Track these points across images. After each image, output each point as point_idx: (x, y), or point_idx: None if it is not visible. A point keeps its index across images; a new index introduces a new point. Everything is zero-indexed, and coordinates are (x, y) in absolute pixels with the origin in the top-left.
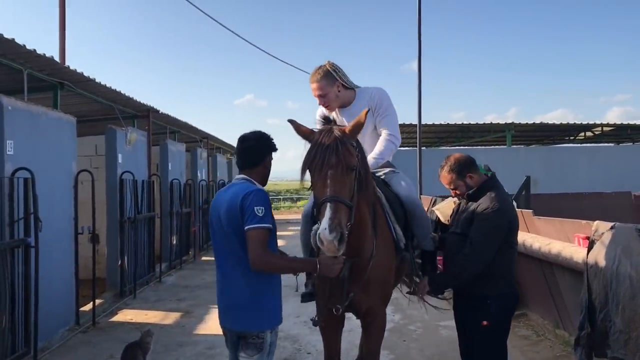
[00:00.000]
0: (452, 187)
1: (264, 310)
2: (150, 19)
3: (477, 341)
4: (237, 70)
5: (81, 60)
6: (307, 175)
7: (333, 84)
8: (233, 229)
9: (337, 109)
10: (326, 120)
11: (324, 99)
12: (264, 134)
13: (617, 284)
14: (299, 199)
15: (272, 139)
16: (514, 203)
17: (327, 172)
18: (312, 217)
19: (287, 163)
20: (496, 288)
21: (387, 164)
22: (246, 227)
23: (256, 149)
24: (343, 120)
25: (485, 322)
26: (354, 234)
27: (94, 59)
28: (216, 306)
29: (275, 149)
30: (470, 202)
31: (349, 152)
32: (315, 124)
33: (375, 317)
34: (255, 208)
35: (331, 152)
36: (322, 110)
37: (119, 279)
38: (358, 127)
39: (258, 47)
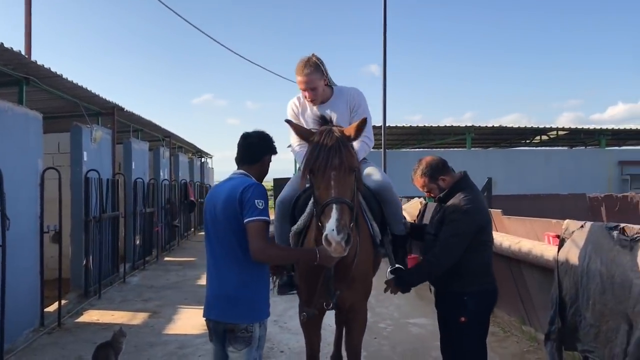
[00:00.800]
0: (425, 190)
1: (254, 302)
2: (107, 16)
3: (456, 337)
4: (195, 68)
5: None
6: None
7: (321, 77)
8: (228, 220)
9: (314, 106)
10: (323, 120)
11: (313, 93)
12: (267, 134)
13: (587, 280)
14: None
15: (274, 142)
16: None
17: (330, 174)
18: (292, 206)
19: None
20: (472, 285)
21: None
22: (247, 220)
23: (257, 147)
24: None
25: (463, 319)
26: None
27: (48, 59)
28: (184, 306)
29: (275, 152)
30: (443, 203)
31: (350, 153)
32: (292, 118)
33: (358, 312)
34: (256, 201)
35: (334, 153)
36: (294, 104)
37: (83, 279)
38: (359, 131)
39: (219, 42)
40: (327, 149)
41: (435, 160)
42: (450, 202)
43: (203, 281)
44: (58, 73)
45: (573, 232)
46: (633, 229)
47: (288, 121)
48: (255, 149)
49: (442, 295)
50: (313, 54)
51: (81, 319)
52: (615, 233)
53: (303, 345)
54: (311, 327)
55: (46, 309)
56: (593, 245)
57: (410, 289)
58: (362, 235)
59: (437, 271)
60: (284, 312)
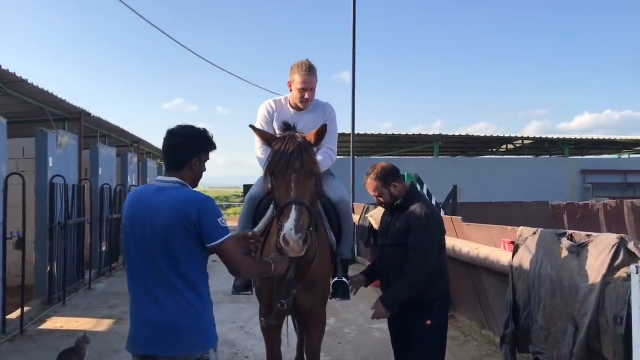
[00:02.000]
0: (376, 194)
1: (207, 326)
2: (76, 21)
3: (419, 340)
4: (165, 73)
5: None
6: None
7: (316, 81)
8: (181, 243)
9: (292, 111)
10: (286, 126)
11: (310, 94)
12: (195, 130)
13: (539, 284)
14: (228, 206)
15: (207, 135)
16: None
17: (291, 176)
18: (258, 202)
19: (217, 169)
20: (439, 290)
21: (327, 171)
22: (216, 242)
23: (182, 149)
24: (301, 122)
25: (428, 322)
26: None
27: (13, 63)
28: None
29: (208, 149)
30: (398, 212)
31: (311, 158)
32: (260, 123)
33: (317, 316)
34: (218, 220)
35: (295, 157)
36: (269, 106)
37: (47, 286)
38: (321, 137)
39: (190, 50)
40: (288, 153)
41: (389, 166)
42: (411, 210)
43: None
44: (23, 78)
45: (526, 238)
46: (580, 235)
47: (251, 126)
48: (180, 151)
49: (403, 306)
50: (308, 59)
51: (44, 325)
52: (563, 239)
53: (266, 356)
54: (271, 333)
55: (8, 316)
56: (544, 250)
57: (398, 306)
58: (321, 241)
59: (422, 281)
60: (249, 319)
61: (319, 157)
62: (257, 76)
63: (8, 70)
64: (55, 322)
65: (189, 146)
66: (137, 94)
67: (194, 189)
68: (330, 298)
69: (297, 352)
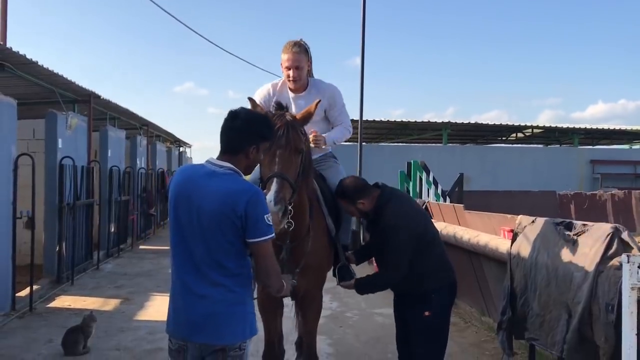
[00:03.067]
0: (346, 211)
1: (248, 315)
2: (85, 4)
3: (419, 332)
4: (176, 57)
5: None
6: None
7: (307, 60)
8: (223, 233)
9: (291, 94)
10: (279, 106)
11: (298, 72)
12: (256, 116)
13: (535, 272)
14: None
15: (270, 123)
16: (433, 202)
17: (275, 152)
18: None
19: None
20: (435, 283)
21: (331, 154)
22: (258, 239)
23: (240, 132)
24: (298, 105)
25: (427, 313)
26: (295, 219)
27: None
28: (156, 294)
29: (266, 138)
30: (374, 225)
31: (297, 136)
32: (261, 98)
33: (313, 299)
34: (265, 217)
35: (281, 134)
36: (269, 88)
37: (56, 265)
38: (309, 115)
39: (202, 36)
40: (275, 130)
41: (352, 184)
42: (382, 223)
43: (165, 272)
44: (34, 60)
45: (525, 226)
46: (576, 224)
47: (250, 98)
48: (240, 136)
49: (402, 297)
50: (301, 39)
51: (53, 304)
52: (560, 228)
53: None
54: (269, 313)
55: (18, 294)
56: (541, 239)
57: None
58: (316, 227)
59: (389, 284)
60: None
61: (336, 131)
62: (269, 64)
63: (18, 52)
64: (63, 301)
65: (249, 132)
66: (147, 77)
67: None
68: (338, 284)
69: (298, 333)
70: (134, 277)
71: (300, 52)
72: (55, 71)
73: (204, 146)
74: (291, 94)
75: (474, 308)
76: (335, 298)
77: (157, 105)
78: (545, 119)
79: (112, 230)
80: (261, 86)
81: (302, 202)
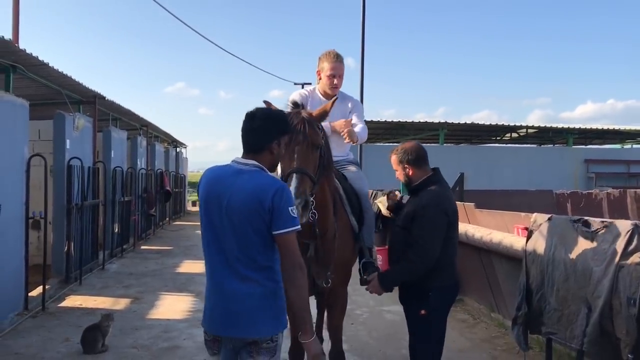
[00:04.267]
0: (395, 168)
1: (279, 309)
2: (79, 3)
3: (415, 329)
4: (167, 56)
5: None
6: None
7: (344, 69)
8: (250, 224)
9: (323, 99)
10: (295, 105)
11: (339, 80)
12: (274, 113)
13: (553, 269)
14: None
15: (286, 119)
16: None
17: (294, 148)
18: None
19: (219, 154)
20: (438, 280)
21: (353, 161)
22: (282, 231)
23: (262, 131)
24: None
25: (423, 312)
26: (321, 216)
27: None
28: (165, 293)
29: (286, 131)
30: (412, 196)
31: (314, 132)
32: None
33: (339, 296)
34: (289, 209)
35: (299, 131)
36: (302, 93)
37: (64, 265)
38: (324, 113)
39: (193, 29)
40: (292, 127)
41: (413, 148)
42: (419, 197)
43: (182, 269)
44: (45, 62)
45: (540, 224)
46: (595, 222)
47: (265, 102)
48: (260, 135)
49: (406, 289)
50: (334, 50)
51: (64, 303)
52: (578, 225)
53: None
54: None
55: (29, 293)
56: (558, 236)
57: (393, 288)
58: (341, 224)
59: (420, 270)
60: None
61: (357, 129)
62: (261, 62)
63: (31, 53)
64: (74, 301)
65: (269, 130)
66: (138, 76)
67: (272, 174)
68: (363, 277)
69: (316, 329)
70: (140, 277)
71: (340, 61)
72: (64, 72)
73: (195, 147)
74: (323, 99)
75: (482, 305)
76: None
77: (150, 106)
78: (535, 118)
79: (116, 230)
80: (265, 85)
81: (325, 197)
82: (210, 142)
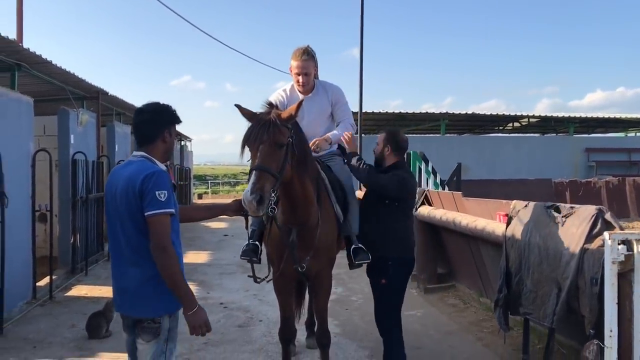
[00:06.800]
0: (378, 142)
1: (162, 294)
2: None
3: (377, 298)
4: (173, 50)
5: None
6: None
7: (314, 66)
8: (128, 211)
9: (301, 96)
10: (270, 105)
11: (307, 78)
12: (161, 105)
13: (529, 252)
14: (237, 184)
15: (172, 110)
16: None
17: (258, 147)
18: None
19: (225, 147)
20: (396, 251)
21: (337, 152)
22: (148, 213)
23: (151, 123)
24: (307, 106)
25: (383, 281)
26: (301, 205)
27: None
28: None
29: (175, 121)
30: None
31: (279, 131)
32: (278, 104)
33: (324, 279)
34: (156, 192)
35: (264, 130)
36: (281, 94)
37: (70, 256)
38: (290, 117)
39: (199, 28)
40: (258, 127)
41: (403, 137)
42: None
43: (185, 259)
44: (48, 59)
45: (519, 210)
46: (565, 207)
47: (237, 105)
48: (150, 125)
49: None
50: (308, 45)
51: (70, 293)
52: (550, 211)
53: (279, 316)
54: (282, 293)
55: (37, 283)
56: (534, 222)
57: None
58: (325, 212)
59: (364, 179)
60: (262, 287)
61: (338, 131)
62: (267, 57)
63: (35, 52)
64: (80, 290)
65: (157, 121)
66: (144, 71)
67: (162, 164)
68: (355, 262)
69: (308, 313)
70: None
71: (309, 59)
72: (67, 70)
73: (201, 139)
74: (300, 96)
75: (472, 290)
76: (340, 284)
77: (156, 98)
78: (542, 107)
79: None
80: (270, 77)
81: (306, 191)
82: (216, 135)
